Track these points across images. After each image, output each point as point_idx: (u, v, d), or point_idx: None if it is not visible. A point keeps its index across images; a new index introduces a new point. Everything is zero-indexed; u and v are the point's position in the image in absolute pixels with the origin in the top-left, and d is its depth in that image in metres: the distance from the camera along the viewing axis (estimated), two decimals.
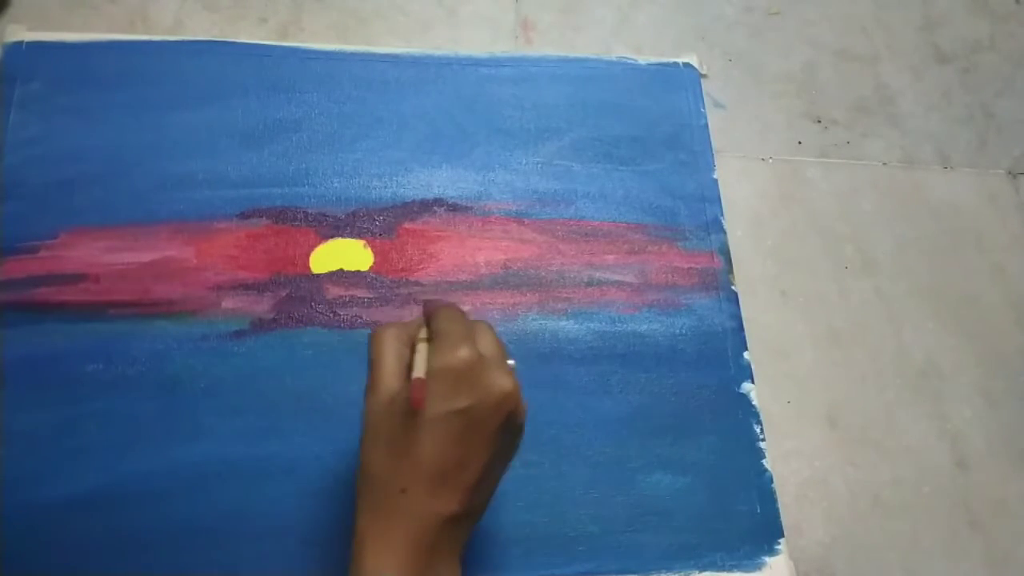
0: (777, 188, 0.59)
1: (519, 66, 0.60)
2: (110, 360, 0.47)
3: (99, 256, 0.49)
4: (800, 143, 0.61)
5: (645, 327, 0.52)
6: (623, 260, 0.54)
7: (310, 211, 0.53)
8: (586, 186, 0.56)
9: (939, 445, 0.52)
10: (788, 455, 0.51)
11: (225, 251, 0.51)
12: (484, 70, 0.59)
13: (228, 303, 0.49)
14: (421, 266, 0.52)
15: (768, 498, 0.49)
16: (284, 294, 0.50)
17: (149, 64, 0.55)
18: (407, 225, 0.53)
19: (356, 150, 0.55)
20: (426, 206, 0.54)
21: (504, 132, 0.57)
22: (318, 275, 0.51)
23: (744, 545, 0.47)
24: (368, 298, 0.51)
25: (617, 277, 0.54)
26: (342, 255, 0.52)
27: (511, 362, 0.37)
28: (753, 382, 0.52)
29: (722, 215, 0.56)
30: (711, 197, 0.57)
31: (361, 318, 0.50)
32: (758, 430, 0.50)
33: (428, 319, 0.38)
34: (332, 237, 0.52)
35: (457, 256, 0.53)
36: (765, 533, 0.48)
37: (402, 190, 0.54)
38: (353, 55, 0.58)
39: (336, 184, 0.54)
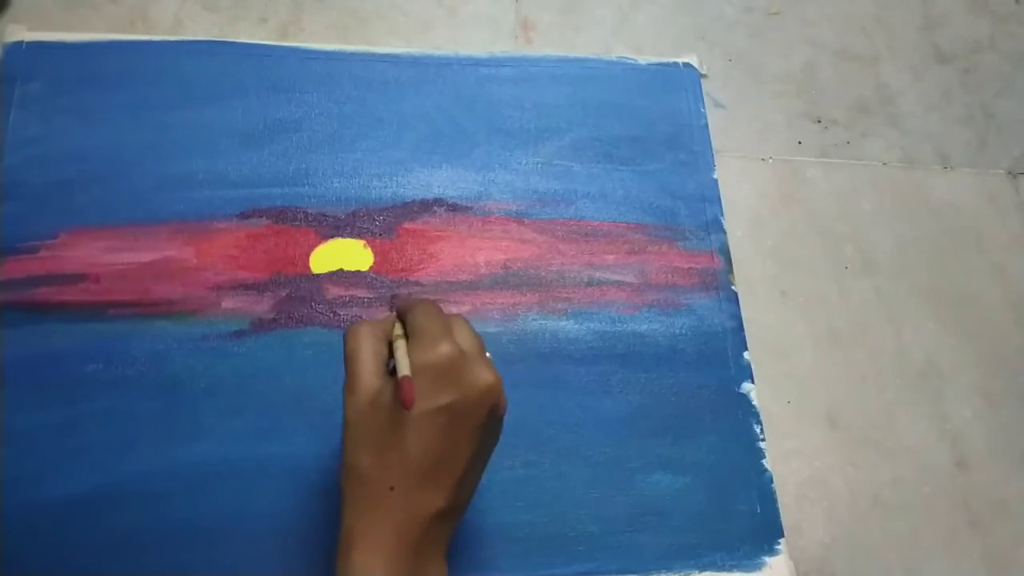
0: (777, 188, 0.59)
1: (519, 66, 0.60)
2: (110, 360, 0.47)
3: (99, 256, 0.49)
4: (800, 143, 0.61)
5: (645, 327, 0.52)
6: (623, 260, 0.54)
7: (310, 211, 0.53)
8: (586, 186, 0.56)
9: (939, 445, 0.52)
10: (788, 455, 0.51)
11: (225, 251, 0.51)
12: (484, 70, 0.59)
13: (228, 303, 0.49)
14: (421, 266, 0.52)
15: (768, 498, 0.49)
16: (284, 294, 0.50)
17: (149, 64, 0.55)
18: (407, 225, 0.53)
19: (356, 150, 0.55)
20: (426, 206, 0.54)
21: (504, 132, 0.57)
22: (318, 275, 0.51)
23: (744, 545, 0.47)
24: (368, 298, 0.51)
25: (617, 277, 0.54)
26: (342, 255, 0.52)
27: (489, 355, 0.37)
28: (753, 382, 0.52)
29: (722, 215, 0.57)
30: (711, 197, 0.57)
31: (361, 318, 0.50)
32: (758, 430, 0.50)
33: (402, 316, 0.38)
34: (332, 237, 0.52)
35: (457, 256, 0.53)
36: (765, 533, 0.48)
37: (402, 190, 0.54)
38: (353, 55, 0.58)
39: (336, 184, 0.54)
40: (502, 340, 0.51)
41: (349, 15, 0.61)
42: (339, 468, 0.36)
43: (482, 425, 0.35)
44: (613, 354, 0.51)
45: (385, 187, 0.54)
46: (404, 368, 0.35)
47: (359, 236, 0.52)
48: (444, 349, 0.35)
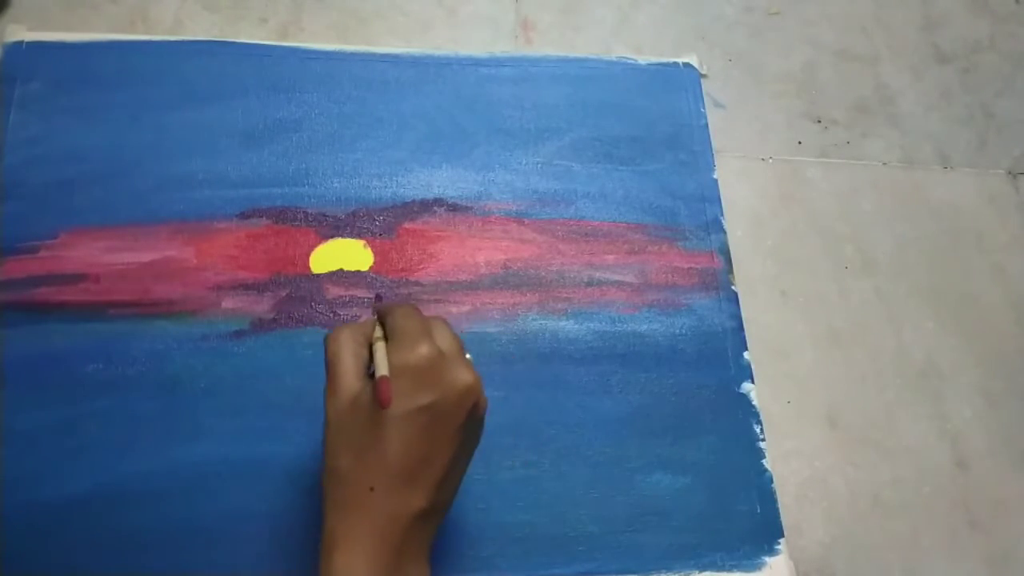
0: (777, 188, 0.59)
1: (519, 66, 0.60)
2: (110, 360, 0.47)
3: (99, 256, 0.49)
4: (800, 143, 0.61)
5: (645, 327, 0.52)
6: (623, 260, 0.54)
7: (310, 211, 0.53)
8: (586, 186, 0.56)
9: (939, 445, 0.52)
10: (788, 455, 0.51)
11: (225, 251, 0.51)
12: (484, 70, 0.59)
13: (228, 303, 0.49)
14: (421, 266, 0.52)
15: (768, 498, 0.49)
16: (284, 294, 0.50)
17: (149, 64, 0.55)
18: (407, 225, 0.53)
19: (356, 150, 0.55)
20: (426, 206, 0.54)
21: (504, 132, 0.57)
22: (318, 275, 0.51)
23: (744, 545, 0.47)
24: (368, 298, 0.51)
25: (617, 277, 0.54)
26: (342, 255, 0.52)
27: (468, 356, 0.37)
28: (753, 382, 0.52)
29: (722, 215, 0.57)
30: (711, 197, 0.57)
31: (361, 318, 0.50)
32: (758, 430, 0.50)
33: (382, 318, 0.38)
34: (332, 237, 0.52)
35: (457, 256, 0.53)
36: (765, 533, 0.48)
37: (402, 190, 0.54)
38: (353, 55, 0.58)
39: (336, 184, 0.54)
40: (502, 340, 0.51)
41: (349, 15, 0.61)
42: (320, 470, 0.36)
43: (462, 425, 0.36)
44: (613, 354, 0.51)
45: (385, 187, 0.54)
46: (383, 369, 0.35)
47: (359, 236, 0.52)
48: (423, 350, 0.35)
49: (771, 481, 0.49)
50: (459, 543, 0.45)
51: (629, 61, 0.61)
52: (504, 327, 0.51)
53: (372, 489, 0.34)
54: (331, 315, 0.50)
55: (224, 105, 0.55)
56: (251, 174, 0.53)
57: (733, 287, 0.54)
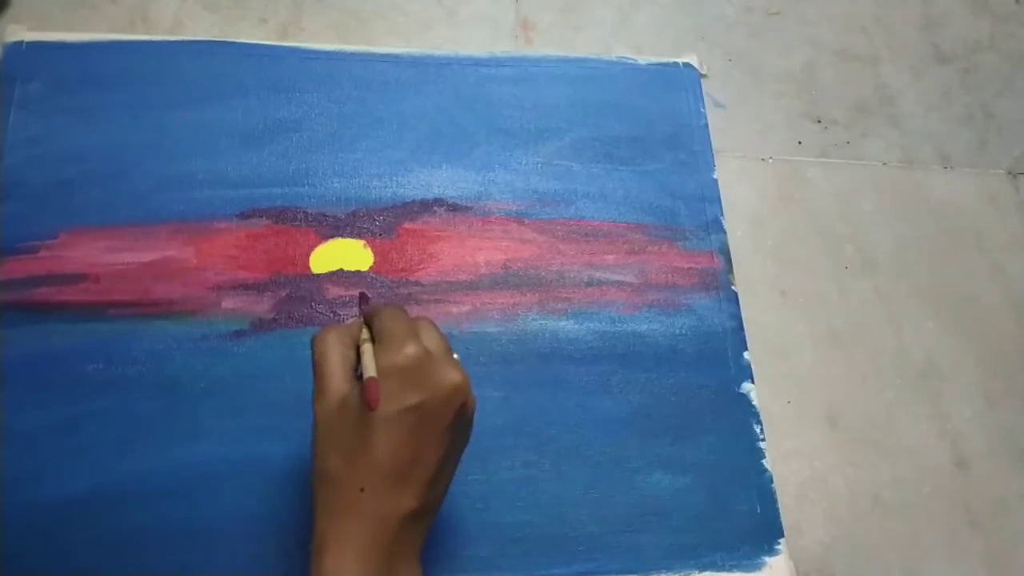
0: (777, 188, 0.59)
1: (519, 66, 0.60)
2: (110, 360, 0.47)
3: (99, 256, 0.49)
4: (800, 143, 0.61)
5: (645, 327, 0.52)
6: (623, 260, 0.54)
7: (310, 211, 0.53)
8: (586, 186, 0.56)
9: (939, 445, 0.52)
10: (788, 455, 0.51)
11: (225, 251, 0.51)
12: (484, 70, 0.59)
13: (228, 303, 0.49)
14: (421, 266, 0.52)
15: (768, 498, 0.49)
16: (284, 294, 0.50)
17: (149, 64, 0.55)
18: (407, 225, 0.53)
19: (356, 150, 0.55)
20: (426, 206, 0.54)
21: (504, 132, 0.57)
22: (318, 275, 0.51)
23: (744, 545, 0.47)
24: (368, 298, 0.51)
25: (617, 277, 0.54)
26: (342, 255, 0.52)
27: (456, 356, 0.37)
28: (753, 382, 0.52)
29: (722, 215, 0.57)
30: (711, 197, 0.57)
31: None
32: (758, 430, 0.50)
33: (368, 320, 0.38)
34: (332, 237, 0.52)
35: (457, 256, 0.53)
36: (765, 533, 0.48)
37: (402, 190, 0.54)
38: (353, 55, 0.58)
39: (336, 184, 0.54)
40: (502, 340, 0.51)
41: (349, 15, 0.61)
42: (309, 472, 0.36)
43: (450, 425, 0.36)
44: (613, 354, 0.51)
45: (385, 187, 0.54)
46: (370, 370, 0.35)
47: (359, 236, 0.52)
48: (410, 351, 0.35)
49: (771, 481, 0.49)
50: (459, 543, 0.45)
51: (629, 61, 0.61)
52: (504, 327, 0.51)
53: (362, 490, 0.34)
54: (331, 315, 0.50)
55: (224, 105, 0.55)
56: (251, 174, 0.53)
57: (733, 287, 0.54)
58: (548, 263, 0.53)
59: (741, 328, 0.53)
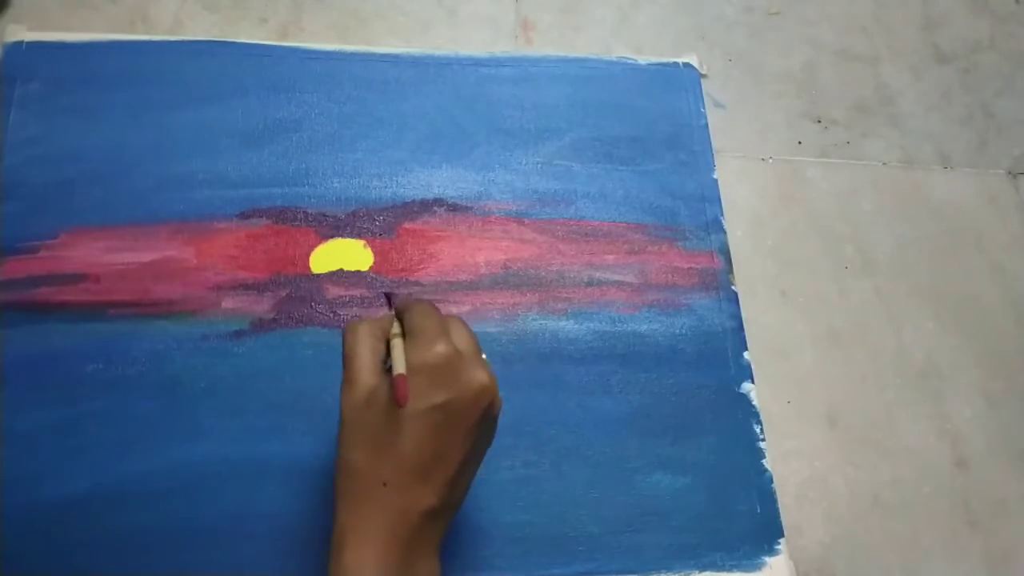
0: (777, 188, 0.59)
1: (519, 66, 0.60)
2: (110, 360, 0.47)
3: (99, 256, 0.49)
4: (800, 143, 0.61)
5: (645, 327, 0.52)
6: (623, 260, 0.54)
7: (310, 211, 0.53)
8: (586, 186, 0.56)
9: (939, 445, 0.52)
10: (788, 455, 0.51)
11: (225, 251, 0.51)
12: (484, 70, 0.59)
13: (228, 303, 0.49)
14: (421, 266, 0.52)
15: (768, 498, 0.49)
16: (284, 294, 0.50)
17: (149, 64, 0.55)
18: (407, 225, 0.53)
19: (356, 150, 0.55)
20: (426, 206, 0.54)
21: (504, 132, 0.57)
22: (318, 275, 0.51)
23: (744, 545, 0.47)
24: (368, 298, 0.51)
25: (617, 277, 0.54)
26: (342, 255, 0.52)
27: (484, 356, 0.37)
28: (753, 382, 0.52)
29: (722, 215, 0.57)
30: (711, 197, 0.57)
31: (361, 318, 0.50)
32: (758, 430, 0.50)
33: (400, 315, 0.38)
34: (332, 237, 0.52)
35: (457, 256, 0.53)
36: (765, 533, 0.48)
37: (402, 190, 0.54)
38: (353, 55, 0.58)
39: (336, 184, 0.54)
40: (502, 340, 0.51)
41: (349, 15, 0.61)
42: (334, 464, 0.36)
43: (476, 424, 0.36)
44: (613, 354, 0.51)
45: (385, 187, 0.54)
46: (400, 366, 0.35)
47: (359, 236, 0.52)
48: (440, 349, 0.35)
49: (771, 481, 0.49)
50: (459, 543, 0.45)
51: (629, 61, 0.61)
52: (504, 327, 0.51)
53: (384, 484, 0.34)
54: (331, 315, 0.50)
55: (224, 105, 0.55)
56: (251, 174, 0.53)
57: (733, 287, 0.54)
58: (548, 263, 0.54)
59: (741, 328, 0.53)
